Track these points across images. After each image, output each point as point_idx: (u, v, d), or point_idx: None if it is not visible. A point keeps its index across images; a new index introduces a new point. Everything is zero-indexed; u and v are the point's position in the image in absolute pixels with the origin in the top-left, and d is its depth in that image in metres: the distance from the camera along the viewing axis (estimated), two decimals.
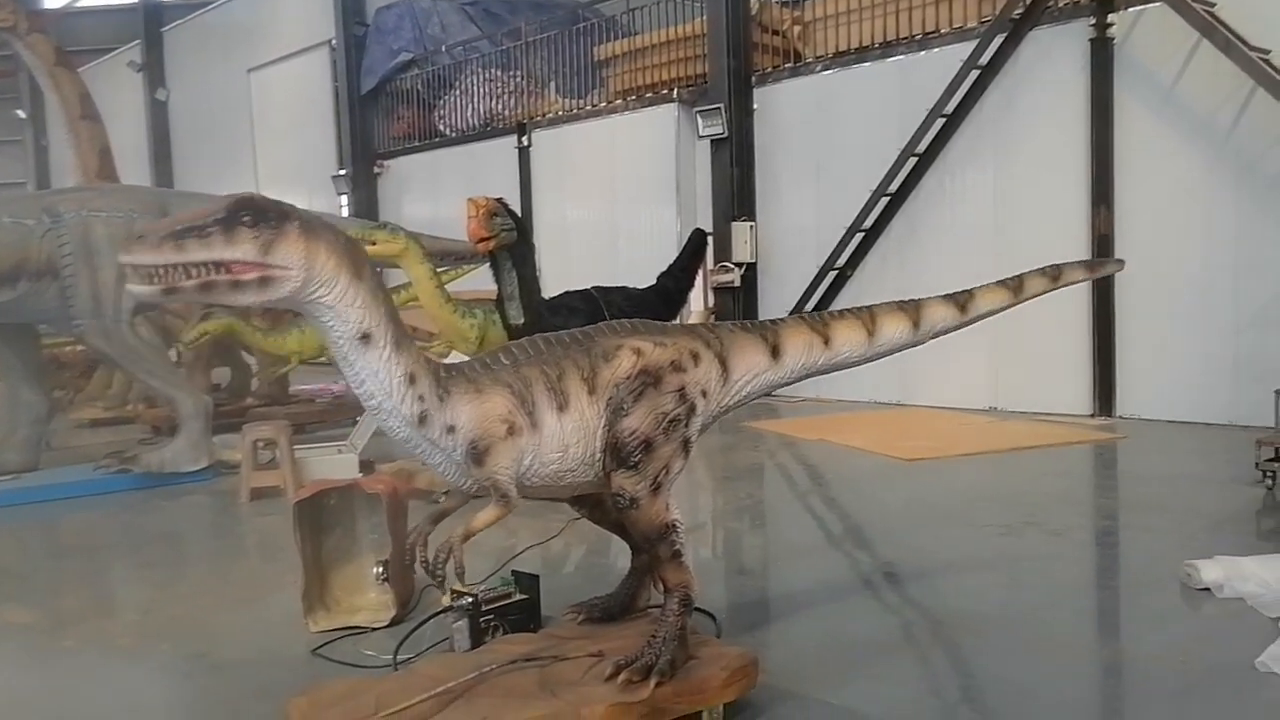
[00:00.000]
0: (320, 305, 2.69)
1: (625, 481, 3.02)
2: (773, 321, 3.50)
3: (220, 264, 2.53)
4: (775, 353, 3.40)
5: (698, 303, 11.55)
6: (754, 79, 11.86)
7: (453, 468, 2.97)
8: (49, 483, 7.34)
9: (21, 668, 3.97)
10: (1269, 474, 6.03)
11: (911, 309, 3.53)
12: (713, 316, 11.96)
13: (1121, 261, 4.33)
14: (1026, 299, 3.63)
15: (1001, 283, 3.63)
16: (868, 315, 3.51)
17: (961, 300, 3.58)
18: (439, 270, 6.95)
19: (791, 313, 11.10)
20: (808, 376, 3.53)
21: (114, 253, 7.23)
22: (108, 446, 8.41)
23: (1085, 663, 3.66)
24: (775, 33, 12.10)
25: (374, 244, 6.56)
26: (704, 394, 3.22)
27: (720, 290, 11.88)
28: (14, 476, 7.50)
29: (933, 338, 3.60)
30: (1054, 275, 3.66)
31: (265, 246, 2.55)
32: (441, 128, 16.87)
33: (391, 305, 2.84)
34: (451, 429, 2.89)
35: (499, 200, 5.65)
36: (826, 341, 3.45)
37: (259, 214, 2.56)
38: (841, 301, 11.04)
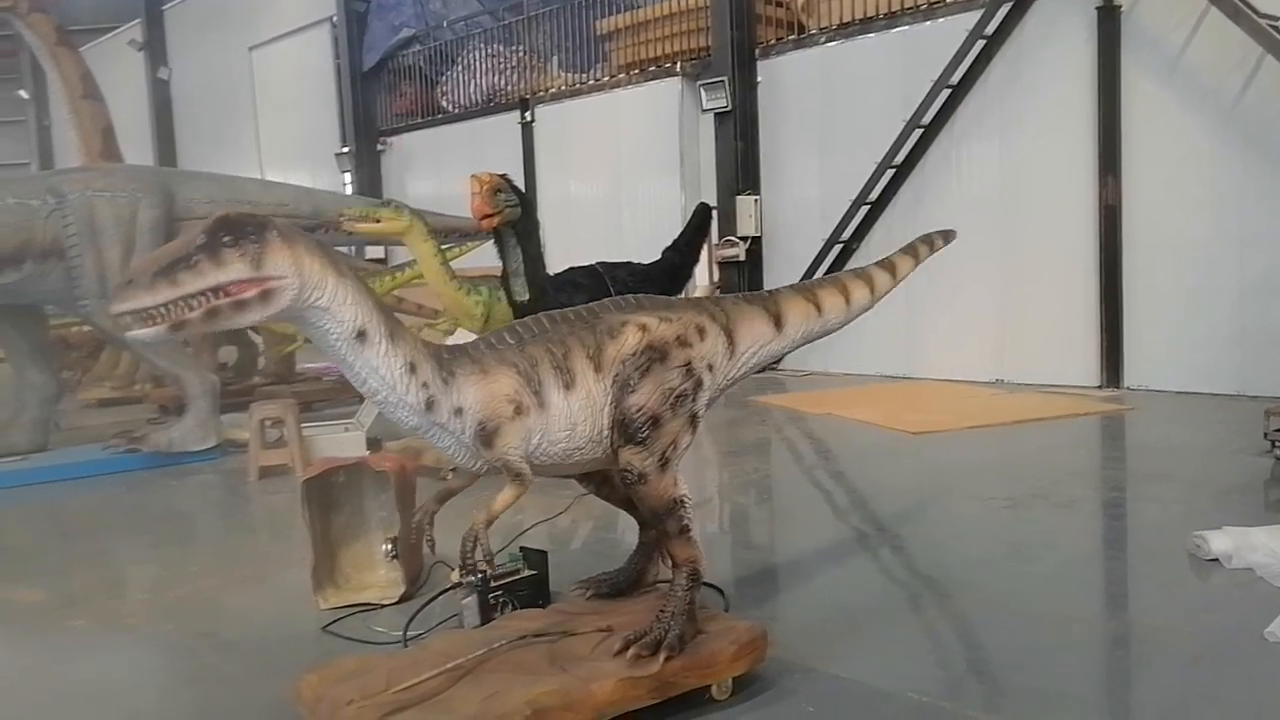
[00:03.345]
0: (316, 309, 2.69)
1: (633, 457, 3.02)
2: (770, 292, 3.56)
3: (218, 289, 2.53)
4: (778, 322, 3.46)
5: (703, 277, 11.51)
6: (757, 51, 11.78)
7: (462, 450, 2.97)
8: (57, 463, 7.36)
9: (30, 646, 3.99)
10: (1278, 444, 6.02)
11: (865, 275, 3.66)
12: (718, 291, 11.92)
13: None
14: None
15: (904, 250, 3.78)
16: (841, 283, 3.62)
17: (887, 265, 3.72)
18: (443, 247, 6.95)
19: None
20: (801, 345, 3.62)
21: (119, 232, 7.25)
22: (116, 426, 8.42)
23: (1093, 634, 3.66)
24: (778, 4, 12.00)
25: (378, 221, 6.56)
26: (710, 368, 3.23)
27: (725, 264, 11.84)
28: (22, 457, 7.54)
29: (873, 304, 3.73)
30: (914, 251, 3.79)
31: (255, 261, 2.55)
32: (444, 104, 16.79)
33: (378, 298, 2.85)
34: (459, 411, 2.89)
35: (503, 176, 5.64)
36: (819, 309, 3.55)
37: (237, 231, 2.56)
38: None
